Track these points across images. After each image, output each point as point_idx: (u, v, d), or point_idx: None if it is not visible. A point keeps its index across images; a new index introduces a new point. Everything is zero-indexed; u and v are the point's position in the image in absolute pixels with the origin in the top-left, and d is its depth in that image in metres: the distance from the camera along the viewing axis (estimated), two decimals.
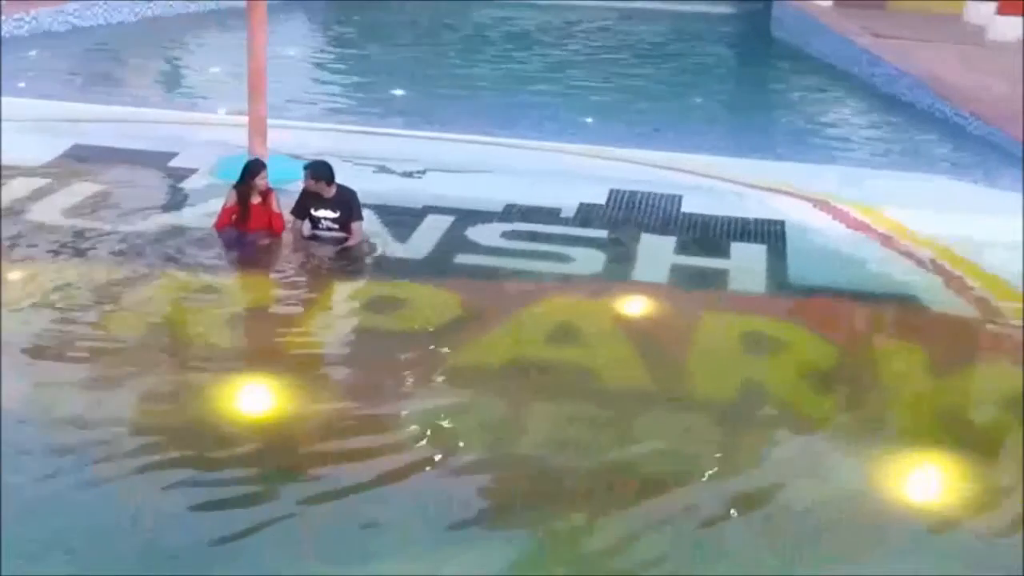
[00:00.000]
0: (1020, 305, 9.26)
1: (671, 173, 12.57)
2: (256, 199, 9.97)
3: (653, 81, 20.04)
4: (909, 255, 10.36)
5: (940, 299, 9.49)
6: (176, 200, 10.78)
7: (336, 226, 9.90)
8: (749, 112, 17.99)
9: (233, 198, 9.98)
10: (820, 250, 10.42)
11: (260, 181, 9.94)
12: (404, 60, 20.28)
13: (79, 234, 9.80)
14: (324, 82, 18.05)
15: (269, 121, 11.49)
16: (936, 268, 10.11)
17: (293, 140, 12.38)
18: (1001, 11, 25.70)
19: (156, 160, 11.91)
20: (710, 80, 20.75)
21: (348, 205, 9.90)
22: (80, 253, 9.40)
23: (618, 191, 11.64)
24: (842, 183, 12.59)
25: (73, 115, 13.68)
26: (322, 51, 21.27)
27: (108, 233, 9.86)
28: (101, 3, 20.95)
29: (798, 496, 6.50)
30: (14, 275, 8.92)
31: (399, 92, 17.19)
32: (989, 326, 9.05)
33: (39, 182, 11.06)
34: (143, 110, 14.25)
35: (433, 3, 26.04)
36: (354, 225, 9.91)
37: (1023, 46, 23.38)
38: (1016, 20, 25.45)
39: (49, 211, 10.33)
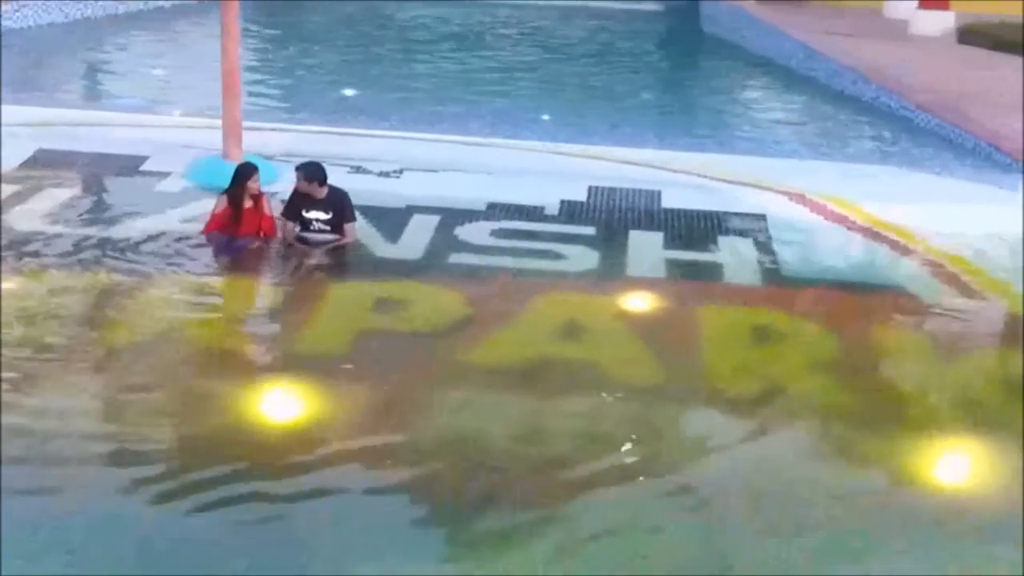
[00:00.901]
0: (1012, 295, 9.41)
1: (643, 170, 12.70)
2: (248, 203, 9.81)
3: (600, 79, 20.17)
4: (892, 246, 10.51)
5: (930, 289, 9.62)
6: (158, 204, 10.57)
7: (328, 227, 9.80)
8: (697, 108, 18.24)
9: (223, 203, 9.82)
10: (805, 243, 10.56)
11: (252, 184, 9.79)
12: (345, 60, 20.15)
13: (68, 241, 9.53)
14: (270, 83, 17.86)
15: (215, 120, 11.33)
16: (921, 259, 10.25)
17: (258, 141, 12.16)
18: (923, 5, 26.30)
19: (127, 164, 11.70)
20: (655, 77, 21.07)
21: (341, 206, 9.81)
22: (71, 260, 9.14)
23: (597, 188, 11.69)
24: (810, 177, 12.74)
25: (28, 119, 13.33)
26: (261, 51, 21.00)
27: (94, 239, 9.61)
28: (31, 4, 20.47)
29: (837, 484, 6.53)
30: (9, 284, 8.66)
31: (350, 92, 17.05)
32: (984, 313, 9.20)
33: (10, 188, 10.76)
34: (104, 114, 14.01)
35: (360, 3, 25.92)
36: (347, 226, 9.82)
37: (955, 39, 23.99)
38: (938, 14, 26.06)
39: (28, 218, 10.04)
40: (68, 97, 15.70)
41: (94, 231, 9.86)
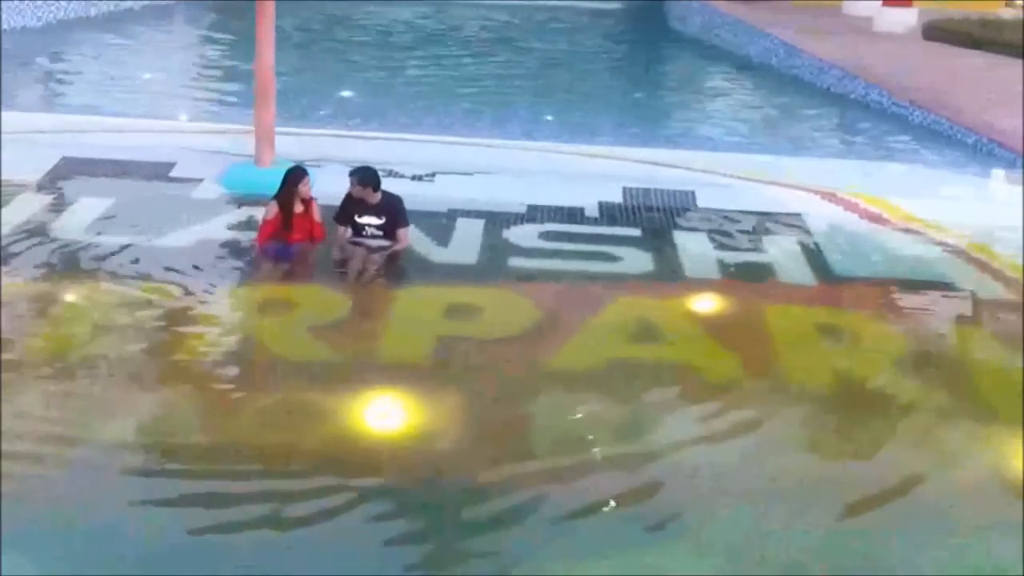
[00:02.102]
0: None
1: (669, 170, 12.75)
2: (299, 208, 9.71)
3: (582, 78, 20.21)
4: (935, 243, 10.65)
5: (980, 284, 9.76)
6: (201, 212, 10.43)
7: (381, 233, 9.73)
8: (689, 108, 18.32)
9: (274, 210, 9.70)
10: (848, 241, 10.66)
11: (303, 188, 9.70)
12: (333, 62, 19.98)
13: (118, 251, 9.37)
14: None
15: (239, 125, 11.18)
16: (964, 255, 10.39)
17: (279, 146, 11.98)
18: (887, 3, 26.69)
19: (156, 171, 11.53)
20: (642, 76, 21.04)
21: (394, 211, 9.76)
22: (128, 271, 9.00)
23: (631, 189, 11.71)
24: (828, 175, 12.85)
25: (41, 126, 13.09)
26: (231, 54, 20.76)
27: (147, 249, 9.47)
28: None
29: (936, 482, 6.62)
30: (75, 296, 8.51)
31: (348, 94, 16.93)
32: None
33: (44, 198, 10.57)
34: (120, 120, 13.73)
35: (322, 3, 25.74)
36: (401, 231, 9.76)
37: (920, 35, 24.36)
38: (901, 11, 26.46)
39: (74, 229, 9.86)
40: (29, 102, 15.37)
41: (144, 240, 9.68)
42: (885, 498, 6.35)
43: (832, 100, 18.34)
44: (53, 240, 9.60)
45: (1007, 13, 27.05)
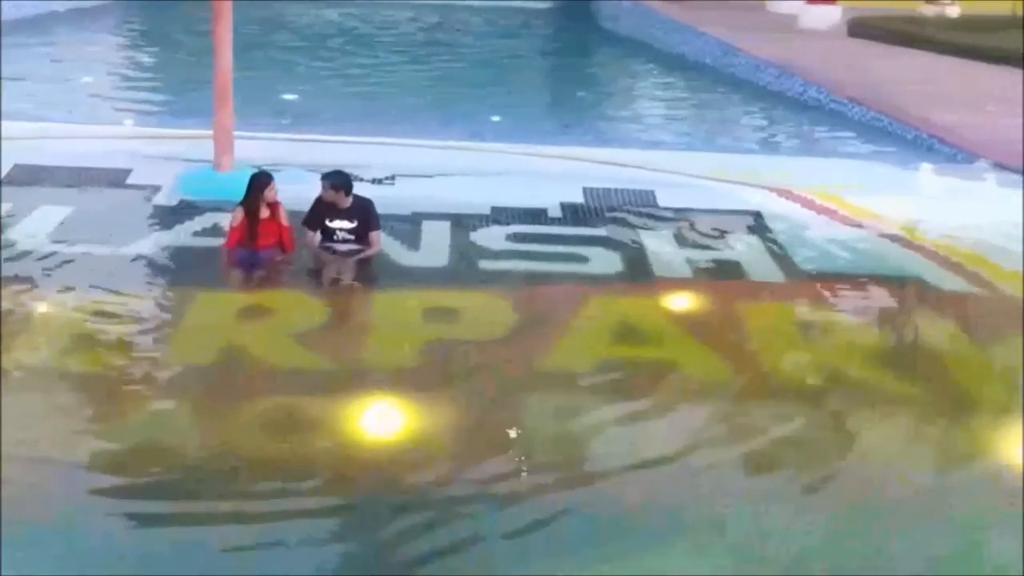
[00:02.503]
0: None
1: (625, 169, 12.80)
2: (265, 213, 9.62)
3: (520, 79, 20.27)
4: (891, 238, 10.83)
5: (942, 278, 9.93)
6: (163, 219, 10.31)
7: (352, 237, 9.67)
8: (632, 107, 18.48)
9: (240, 216, 9.59)
10: (809, 237, 10.79)
11: (269, 193, 9.60)
12: (266, 64, 19.80)
13: (82, 260, 9.23)
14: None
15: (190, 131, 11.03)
16: (922, 250, 10.59)
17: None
18: (811, 1, 27.13)
19: (111, 178, 11.35)
20: (579, 76, 21.09)
21: (365, 215, 9.70)
22: (97, 280, 8.85)
23: (592, 189, 11.76)
24: (777, 172, 13.02)
25: None
26: (175, 53, 20.50)
27: (113, 258, 9.33)
28: None
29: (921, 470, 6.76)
30: (44, 307, 8.36)
31: (291, 97, 16.79)
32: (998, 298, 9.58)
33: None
34: (69, 126, 13.46)
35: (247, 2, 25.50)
36: (373, 234, 9.72)
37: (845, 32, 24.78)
38: (825, 9, 26.90)
39: (33, 238, 9.67)
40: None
41: (108, 250, 9.52)
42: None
43: (770, 98, 18.58)
44: (14, 249, 9.38)
45: (928, 10, 27.60)
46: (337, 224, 9.65)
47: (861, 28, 25.74)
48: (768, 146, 15.44)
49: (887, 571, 5.78)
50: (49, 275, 8.95)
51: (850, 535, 6.05)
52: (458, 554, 5.70)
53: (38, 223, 10.05)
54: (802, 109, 17.66)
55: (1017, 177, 12.88)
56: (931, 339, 8.79)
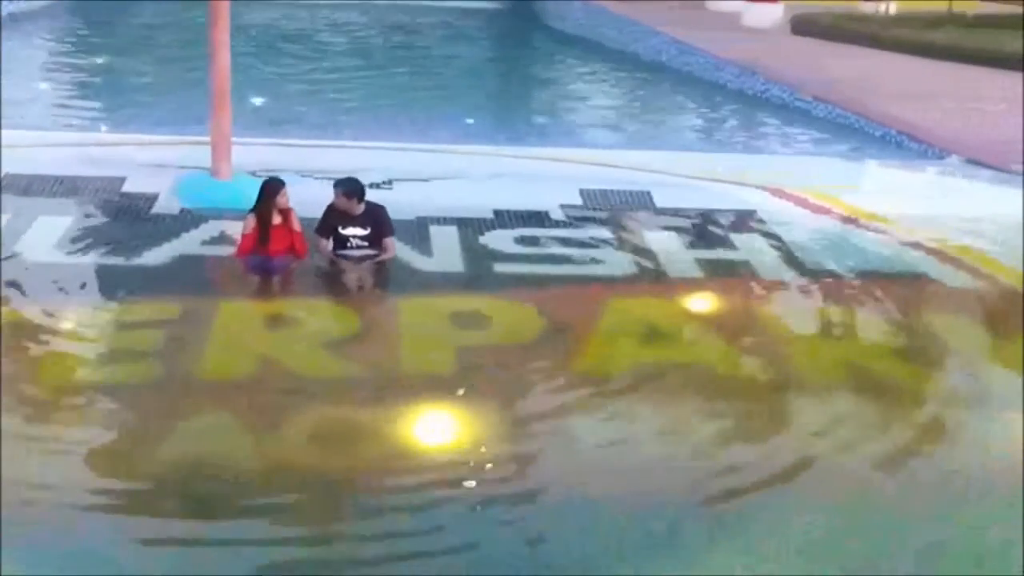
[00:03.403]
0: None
1: (611, 171, 12.83)
2: (276, 219, 9.53)
3: (477, 81, 20.26)
4: (890, 236, 10.99)
5: (948, 274, 10.11)
6: (168, 228, 10.14)
7: (366, 243, 9.60)
8: (592, 106, 18.47)
9: (252, 223, 9.49)
10: (811, 235, 10.90)
11: (281, 199, 9.51)
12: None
13: (97, 272, 9.09)
14: (164, 92, 17.21)
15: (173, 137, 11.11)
16: (922, 247, 10.75)
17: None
18: None
19: (106, 186, 11.13)
20: (537, 77, 21.15)
21: (379, 221, 9.64)
22: (118, 292, 8.72)
23: (588, 190, 11.78)
24: (761, 170, 13.15)
25: None
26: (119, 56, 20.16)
27: (129, 268, 9.16)
28: None
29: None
30: (71, 322, 8.22)
31: (259, 101, 16.61)
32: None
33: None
34: (54, 134, 13.14)
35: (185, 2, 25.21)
36: (387, 240, 9.66)
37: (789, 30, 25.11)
38: (768, 7, 27.25)
39: (41, 249, 9.48)
40: None
41: (120, 261, 9.37)
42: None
43: (732, 97, 18.75)
44: (24, 261, 9.21)
45: (868, 7, 28.05)
46: (350, 231, 9.58)
47: (804, 25, 26.13)
48: (744, 146, 15.59)
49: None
50: (66, 288, 8.74)
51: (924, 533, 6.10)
52: (520, 560, 5.69)
53: (41, 234, 9.86)
54: (765, 108, 17.85)
55: (1004, 174, 13.12)
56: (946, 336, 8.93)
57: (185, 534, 5.78)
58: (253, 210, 9.54)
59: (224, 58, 10.78)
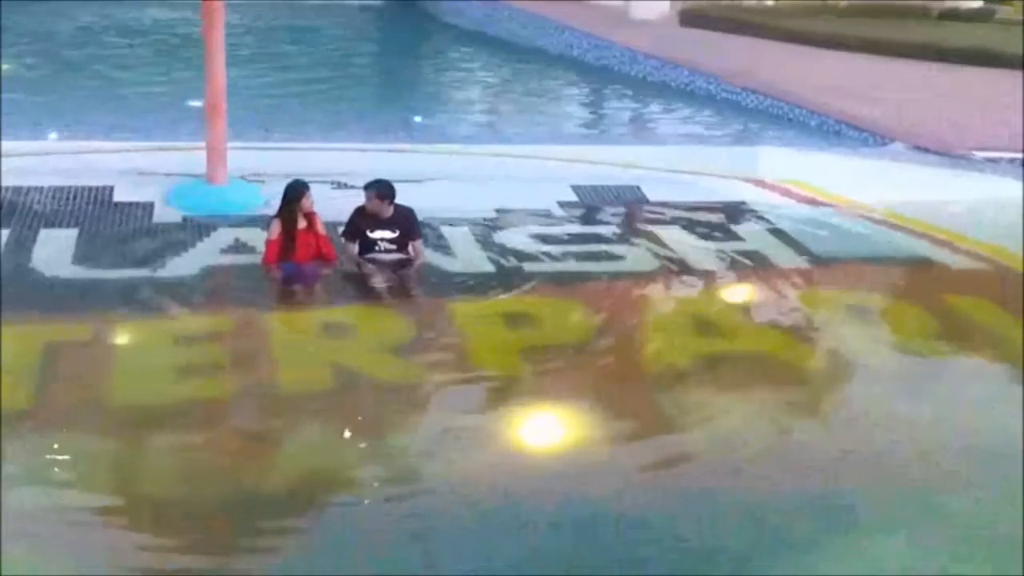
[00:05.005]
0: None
1: (589, 167, 12.89)
2: (301, 224, 9.34)
3: (387, 79, 20.09)
4: (880, 223, 11.32)
5: (945, 257, 10.47)
6: (180, 237, 9.83)
7: (394, 246, 9.48)
8: (517, 103, 18.45)
9: (277, 229, 9.29)
10: (806, 224, 11.14)
11: (305, 203, 9.33)
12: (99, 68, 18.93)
13: (125, 286, 8.80)
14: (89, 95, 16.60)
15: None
16: (913, 231, 11.11)
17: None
18: None
19: (97, 196, 10.69)
20: (449, 75, 21.02)
21: (407, 223, 9.53)
22: (165, 305, 8.46)
23: (580, 187, 11.83)
24: (725, 162, 13.35)
25: None
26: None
27: (158, 281, 8.89)
28: None
29: None
30: (125, 337, 7.94)
31: (195, 104, 16.11)
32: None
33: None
34: (25, 143, 12.48)
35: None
36: (417, 244, 9.57)
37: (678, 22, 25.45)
38: (653, 3, 27.63)
39: (55, 264, 9.10)
40: None
41: (146, 273, 9.08)
42: None
43: (655, 90, 18.94)
44: (42, 277, 8.87)
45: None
46: (379, 235, 9.45)
47: (692, 18, 26.54)
48: (678, 137, 15.65)
49: None
50: (105, 303, 8.43)
51: None
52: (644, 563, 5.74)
53: (51, 248, 9.45)
54: (693, 99, 18.08)
55: (958, 160, 13.64)
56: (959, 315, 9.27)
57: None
58: (277, 215, 9.32)
59: (219, 62, 10.48)
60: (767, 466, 6.77)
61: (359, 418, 7.07)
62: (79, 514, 5.85)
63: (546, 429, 7.13)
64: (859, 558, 5.82)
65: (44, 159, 11.95)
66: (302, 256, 9.31)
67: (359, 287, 9.15)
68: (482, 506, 6.13)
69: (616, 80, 19.80)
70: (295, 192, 9.33)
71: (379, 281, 9.21)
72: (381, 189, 9.37)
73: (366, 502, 6.21)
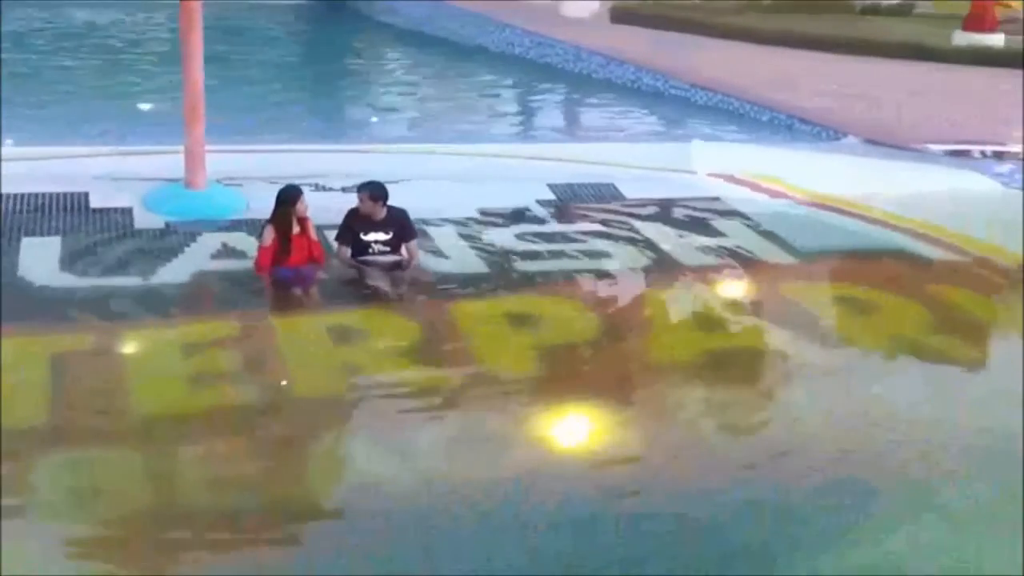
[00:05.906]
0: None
1: (560, 164, 12.92)
2: (295, 229, 9.26)
3: (327, 80, 19.98)
4: (853, 216, 11.50)
5: (922, 249, 10.66)
6: (167, 244, 9.68)
7: (388, 248, 9.43)
8: (458, 102, 18.39)
9: (271, 233, 9.19)
10: (782, 219, 11.25)
11: (300, 207, 9.24)
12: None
13: (120, 294, 8.67)
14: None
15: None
16: (884, 223, 11.30)
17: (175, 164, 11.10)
18: None
19: (73, 203, 10.47)
20: (394, 74, 20.92)
21: (401, 225, 9.48)
22: (163, 312, 8.36)
23: (556, 185, 11.84)
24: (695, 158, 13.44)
25: None
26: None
27: (146, 288, 8.77)
28: None
29: None
30: (131, 346, 7.80)
31: (147, 106, 15.90)
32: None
33: None
34: None
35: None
36: (411, 245, 9.53)
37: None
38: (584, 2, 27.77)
39: (45, 272, 8.91)
40: None
41: (137, 281, 8.93)
42: None
43: (601, 87, 18.99)
44: (33, 287, 8.67)
45: None
46: (372, 236, 9.39)
47: (623, 15, 26.70)
48: (635, 134, 15.72)
49: None
50: (102, 311, 8.29)
51: None
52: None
53: (36, 256, 9.26)
54: (641, 96, 18.16)
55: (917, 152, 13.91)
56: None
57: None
58: (270, 220, 9.23)
59: (198, 65, 10.33)
60: (769, 464, 6.77)
61: (359, 419, 7.02)
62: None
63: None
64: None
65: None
66: (296, 260, 9.21)
67: (357, 290, 9.05)
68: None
69: (558, 77, 19.83)
70: (289, 196, 9.24)
71: (377, 282, 9.13)
72: (374, 191, 9.30)
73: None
